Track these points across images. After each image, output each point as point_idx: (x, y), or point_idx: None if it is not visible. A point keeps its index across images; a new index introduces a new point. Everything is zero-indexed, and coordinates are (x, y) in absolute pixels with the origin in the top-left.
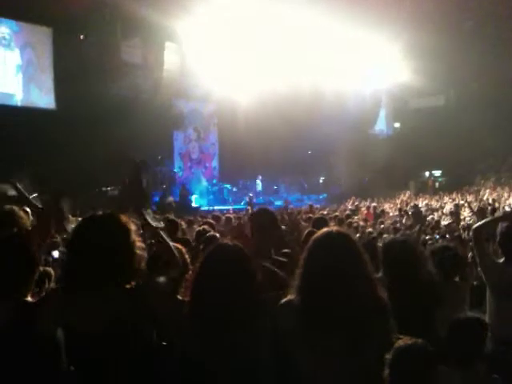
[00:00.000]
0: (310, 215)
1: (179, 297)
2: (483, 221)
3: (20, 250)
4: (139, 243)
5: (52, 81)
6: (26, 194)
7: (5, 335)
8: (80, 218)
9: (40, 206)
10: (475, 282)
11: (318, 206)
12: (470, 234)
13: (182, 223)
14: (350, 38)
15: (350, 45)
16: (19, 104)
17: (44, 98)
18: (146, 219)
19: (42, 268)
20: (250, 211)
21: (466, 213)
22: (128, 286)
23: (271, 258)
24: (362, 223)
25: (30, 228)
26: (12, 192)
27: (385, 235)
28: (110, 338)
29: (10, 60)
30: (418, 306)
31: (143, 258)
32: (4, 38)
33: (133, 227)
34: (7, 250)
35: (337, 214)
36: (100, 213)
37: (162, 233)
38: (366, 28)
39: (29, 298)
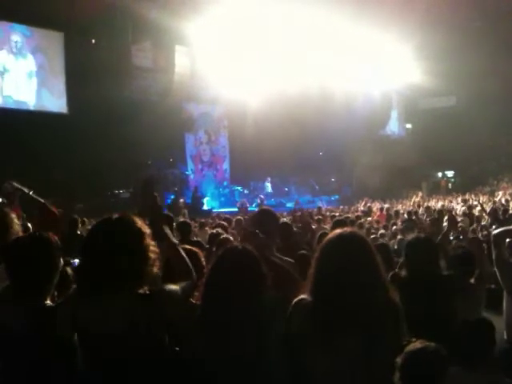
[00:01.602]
0: (320, 217)
1: (192, 300)
2: (506, 227)
3: (41, 253)
4: (153, 247)
5: (64, 85)
6: (26, 191)
7: (25, 338)
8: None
9: (41, 200)
10: (493, 286)
11: (330, 207)
12: (484, 234)
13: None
14: (360, 39)
15: (360, 46)
16: (32, 108)
17: (56, 102)
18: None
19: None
20: None
21: (477, 211)
22: (141, 291)
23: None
24: (375, 225)
25: (35, 224)
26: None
27: (399, 236)
28: (122, 341)
29: (22, 67)
30: (440, 302)
31: (157, 262)
32: (16, 46)
33: (147, 231)
34: (29, 254)
35: (349, 215)
36: (115, 216)
37: (178, 247)
38: (377, 29)
39: (48, 302)
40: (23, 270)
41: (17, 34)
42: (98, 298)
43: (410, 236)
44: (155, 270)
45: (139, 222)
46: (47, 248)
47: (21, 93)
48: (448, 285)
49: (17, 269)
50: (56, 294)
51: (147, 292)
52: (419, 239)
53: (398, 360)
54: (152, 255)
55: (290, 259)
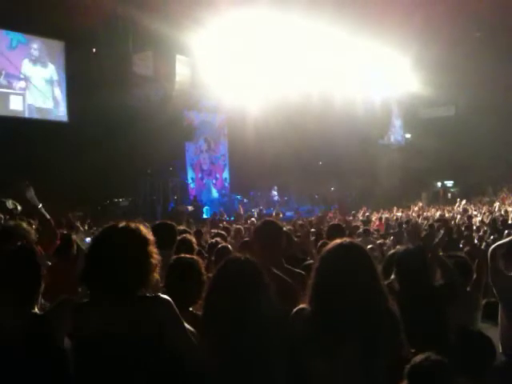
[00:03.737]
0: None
1: (191, 309)
2: (505, 240)
3: (27, 263)
4: (156, 254)
5: (64, 93)
6: (37, 203)
7: (17, 348)
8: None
9: (48, 216)
10: (493, 299)
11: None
12: (484, 244)
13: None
14: (360, 49)
15: (360, 56)
16: (34, 116)
17: (56, 111)
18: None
19: None
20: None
21: (477, 221)
22: (138, 296)
23: (283, 267)
24: (374, 234)
25: (37, 239)
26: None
27: (398, 246)
28: (122, 342)
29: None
30: (429, 312)
31: (158, 268)
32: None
33: (151, 238)
34: (16, 263)
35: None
36: (122, 223)
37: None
38: (377, 39)
39: (36, 310)
40: (9, 279)
41: (36, 45)
42: (99, 302)
43: (401, 247)
44: (156, 275)
45: (144, 230)
46: (32, 258)
47: (42, 101)
48: (438, 296)
49: (2, 278)
50: (42, 301)
51: (147, 295)
52: (409, 251)
53: (405, 371)
54: (154, 261)
55: (300, 271)
